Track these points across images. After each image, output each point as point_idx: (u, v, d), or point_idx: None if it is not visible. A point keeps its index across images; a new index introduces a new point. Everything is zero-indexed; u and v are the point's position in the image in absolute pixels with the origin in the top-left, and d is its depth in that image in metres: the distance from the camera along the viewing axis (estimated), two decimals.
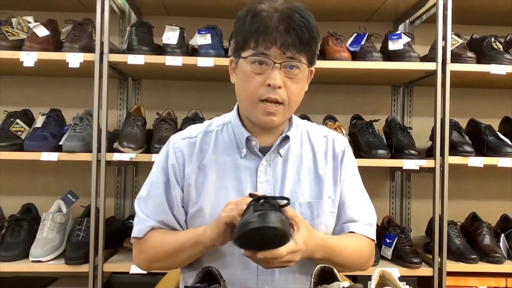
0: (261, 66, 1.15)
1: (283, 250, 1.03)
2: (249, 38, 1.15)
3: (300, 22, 1.13)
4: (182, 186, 1.25)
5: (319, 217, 1.24)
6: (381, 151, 2.17)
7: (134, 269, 2.03)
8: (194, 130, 1.32)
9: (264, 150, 1.25)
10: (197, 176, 1.25)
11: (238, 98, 1.24)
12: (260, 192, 1.21)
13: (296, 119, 1.33)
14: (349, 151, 1.34)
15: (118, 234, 2.29)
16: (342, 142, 1.34)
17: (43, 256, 2.05)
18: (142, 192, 1.30)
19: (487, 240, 2.25)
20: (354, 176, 1.33)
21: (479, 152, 2.23)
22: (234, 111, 1.30)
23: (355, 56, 2.22)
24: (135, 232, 1.27)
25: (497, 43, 2.26)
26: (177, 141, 1.29)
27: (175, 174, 1.25)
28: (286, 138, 1.26)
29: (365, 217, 1.31)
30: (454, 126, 2.27)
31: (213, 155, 1.26)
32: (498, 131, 2.36)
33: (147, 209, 1.27)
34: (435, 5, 2.21)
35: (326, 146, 1.32)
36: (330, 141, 1.32)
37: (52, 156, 2.04)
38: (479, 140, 2.27)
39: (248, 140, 1.24)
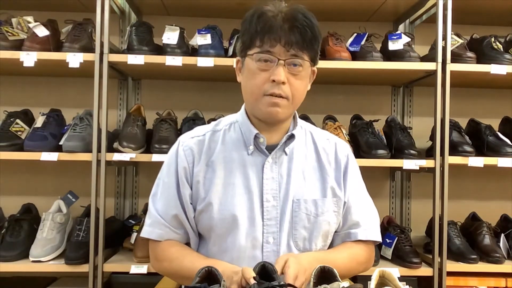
0: (266, 63, 1.20)
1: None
2: (255, 37, 1.20)
3: (304, 22, 1.18)
4: (191, 184, 1.29)
5: (323, 215, 1.28)
6: (381, 151, 2.17)
7: (134, 269, 2.03)
8: (202, 129, 1.37)
9: (269, 148, 1.29)
10: (206, 173, 1.28)
11: (244, 95, 1.28)
12: (266, 189, 1.25)
13: (300, 120, 1.37)
14: (352, 157, 1.38)
15: (118, 234, 2.29)
16: (344, 147, 1.38)
17: (43, 256, 2.05)
18: (155, 191, 1.33)
19: (487, 240, 2.25)
20: (358, 182, 1.37)
21: (479, 152, 2.23)
22: (242, 111, 1.34)
23: (355, 56, 2.22)
24: (148, 233, 1.30)
25: (497, 43, 2.26)
26: (186, 140, 1.33)
27: (186, 174, 1.29)
28: (292, 136, 1.29)
29: (369, 221, 1.35)
30: (454, 126, 2.27)
31: (221, 152, 1.29)
32: (498, 131, 2.36)
33: (161, 208, 1.30)
34: (435, 5, 2.21)
35: (329, 149, 1.36)
36: (332, 144, 1.37)
37: (52, 156, 2.04)
38: (479, 140, 2.27)
39: (256, 137, 1.27)
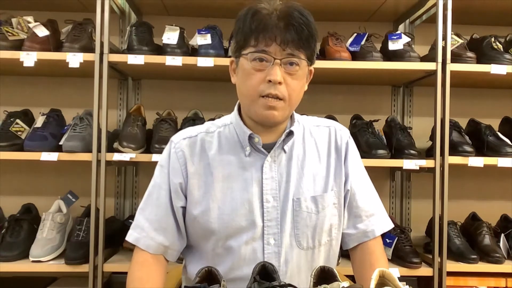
0: (261, 63, 1.16)
1: None
2: (250, 36, 1.16)
3: (300, 20, 1.15)
4: (186, 186, 1.26)
5: (324, 210, 1.26)
6: (381, 151, 2.17)
7: None
8: (194, 129, 1.33)
9: (267, 147, 1.26)
10: (202, 177, 1.26)
11: (239, 96, 1.25)
12: (265, 189, 1.23)
13: (297, 115, 1.34)
14: (352, 142, 1.35)
15: (118, 234, 2.28)
16: (344, 133, 1.35)
17: (43, 256, 2.05)
18: (145, 194, 1.31)
19: (487, 240, 2.25)
20: (359, 167, 1.35)
21: (479, 152, 2.23)
22: (235, 112, 1.31)
23: (355, 56, 2.22)
24: (128, 235, 1.28)
25: (497, 43, 2.26)
26: (178, 141, 1.30)
27: (176, 176, 1.26)
28: (291, 133, 1.27)
29: (377, 208, 1.33)
30: (454, 126, 2.27)
31: (217, 156, 1.26)
32: (498, 131, 2.36)
33: (147, 212, 1.28)
34: (435, 5, 2.21)
35: (329, 138, 1.33)
36: (332, 132, 1.34)
37: (52, 156, 2.04)
38: (479, 140, 2.27)
39: (250, 137, 1.25)
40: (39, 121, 2.19)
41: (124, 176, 2.58)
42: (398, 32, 2.29)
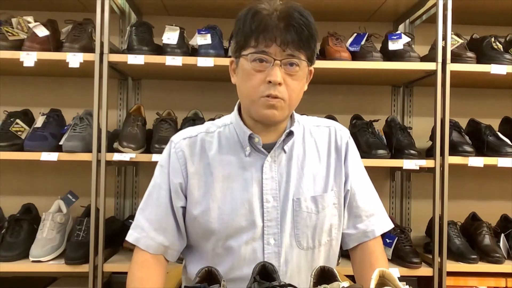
0: (261, 63, 1.16)
1: None
2: (250, 37, 1.16)
3: (300, 20, 1.15)
4: (186, 186, 1.26)
5: (324, 210, 1.26)
6: (381, 151, 2.17)
7: None
8: (194, 129, 1.33)
9: (267, 147, 1.26)
10: (202, 176, 1.26)
11: (240, 96, 1.26)
12: (265, 189, 1.23)
13: (297, 116, 1.34)
14: (352, 142, 1.36)
15: (118, 234, 2.29)
16: (344, 133, 1.35)
17: (43, 256, 2.05)
18: (145, 194, 1.31)
19: (487, 240, 2.26)
20: (359, 167, 1.35)
21: (479, 152, 2.23)
22: (235, 112, 1.31)
23: (355, 56, 2.22)
24: (128, 235, 1.29)
25: (497, 43, 2.26)
26: (178, 141, 1.30)
27: (176, 176, 1.26)
28: (290, 133, 1.27)
29: (377, 208, 1.33)
30: (454, 126, 2.27)
31: (217, 156, 1.27)
32: (498, 131, 2.36)
33: (147, 212, 1.28)
34: (435, 5, 2.21)
35: (329, 138, 1.33)
36: (332, 132, 1.34)
37: (52, 156, 2.04)
38: (479, 140, 2.27)
39: (250, 137, 1.25)
40: (39, 121, 2.19)
41: (124, 176, 2.58)
42: (398, 32, 2.30)
